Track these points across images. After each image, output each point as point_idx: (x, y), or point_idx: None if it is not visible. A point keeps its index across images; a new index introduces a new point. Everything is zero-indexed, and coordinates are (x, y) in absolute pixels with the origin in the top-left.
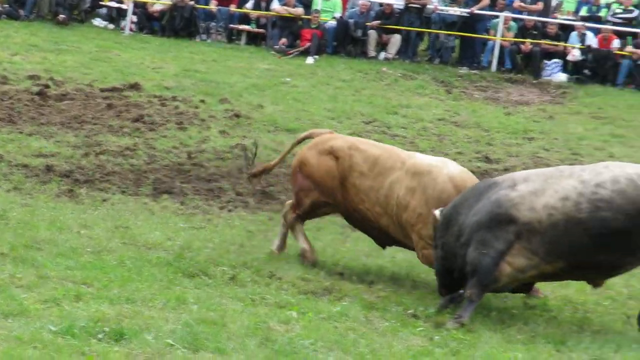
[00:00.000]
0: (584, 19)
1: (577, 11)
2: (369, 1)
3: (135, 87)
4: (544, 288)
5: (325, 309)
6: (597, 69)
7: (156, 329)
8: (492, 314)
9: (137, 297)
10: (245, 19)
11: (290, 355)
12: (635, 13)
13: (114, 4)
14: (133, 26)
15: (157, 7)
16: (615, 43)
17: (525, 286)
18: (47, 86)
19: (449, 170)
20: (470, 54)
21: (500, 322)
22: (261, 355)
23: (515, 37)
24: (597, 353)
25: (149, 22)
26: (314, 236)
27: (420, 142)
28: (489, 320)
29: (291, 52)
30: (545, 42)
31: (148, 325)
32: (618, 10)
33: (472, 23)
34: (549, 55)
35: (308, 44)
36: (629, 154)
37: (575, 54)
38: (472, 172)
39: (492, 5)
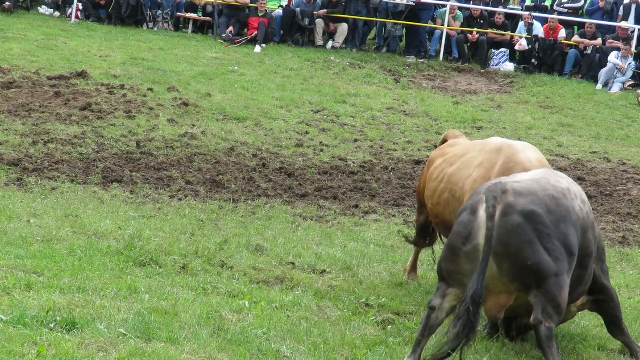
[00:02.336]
0: (529, 8)
1: (524, 1)
2: None
3: (82, 75)
4: None
5: (278, 298)
6: (545, 58)
7: (108, 318)
8: None
9: (88, 287)
10: (192, 7)
11: (243, 345)
12: (582, 3)
13: None
14: (79, 14)
15: None
16: (562, 33)
17: None
18: None
19: None
20: (418, 43)
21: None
22: (214, 344)
23: (462, 26)
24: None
25: (95, 10)
26: (264, 225)
27: (369, 131)
28: None
29: (239, 40)
30: (492, 32)
31: (100, 314)
32: (565, 0)
33: (417, 12)
34: (497, 44)
35: (255, 33)
36: (578, 144)
37: (522, 44)
38: (420, 161)
39: None
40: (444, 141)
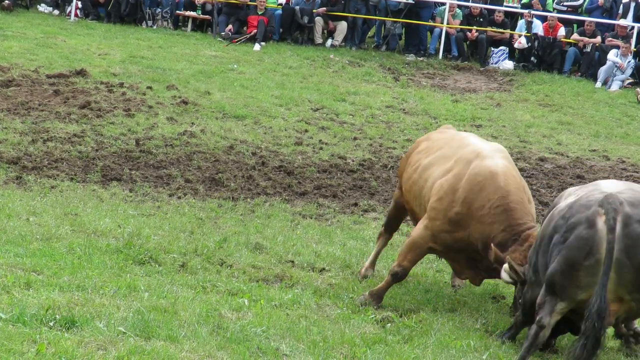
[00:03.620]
0: (525, 6)
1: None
2: None
3: (81, 73)
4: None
5: (277, 297)
6: (544, 56)
7: (107, 316)
8: (444, 301)
9: (87, 285)
10: (191, 5)
11: (242, 343)
12: (581, 1)
13: None
14: (78, 12)
15: None
16: (562, 31)
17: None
18: None
19: None
20: (417, 41)
21: (451, 310)
22: (213, 342)
23: (462, 24)
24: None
25: (94, 8)
26: (263, 224)
27: (368, 129)
28: (441, 308)
29: (238, 39)
30: (491, 30)
31: (99, 312)
32: None
33: (417, 10)
34: (496, 42)
35: (255, 31)
36: (577, 142)
37: (522, 42)
38: None
39: None
40: None
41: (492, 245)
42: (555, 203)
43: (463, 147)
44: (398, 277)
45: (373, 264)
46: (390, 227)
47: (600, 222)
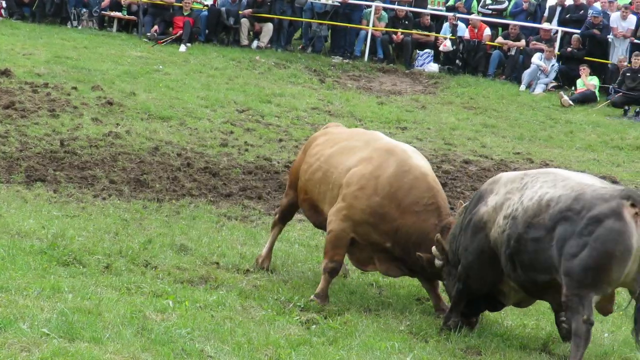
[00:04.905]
0: (450, 9)
1: (447, 2)
2: None
3: (5, 73)
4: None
5: (202, 298)
6: (469, 59)
7: (31, 317)
8: (369, 303)
9: (11, 286)
10: (116, 5)
11: (166, 345)
12: (505, 4)
13: None
14: (2, 12)
15: None
16: (487, 31)
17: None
18: None
19: None
20: (345, 43)
21: (376, 312)
22: (137, 344)
23: (387, 27)
24: (473, 342)
25: (19, 8)
26: (189, 225)
27: (294, 131)
28: (365, 309)
29: (163, 39)
30: (416, 32)
31: (22, 314)
32: (489, 2)
33: (347, 12)
34: (421, 45)
35: (180, 32)
36: (501, 144)
37: (446, 45)
38: None
39: None
40: None
41: (438, 238)
42: (487, 190)
43: (377, 140)
44: (335, 272)
45: (270, 254)
46: (285, 219)
47: (627, 214)
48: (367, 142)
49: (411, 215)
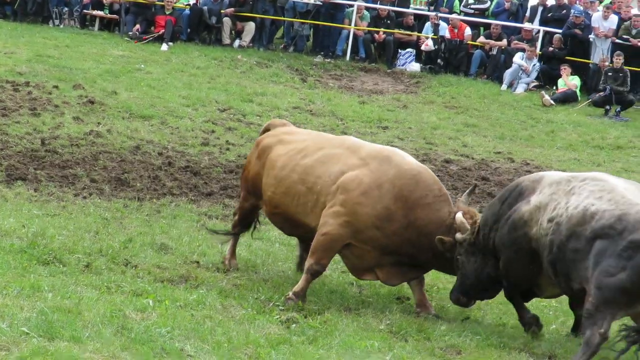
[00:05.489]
0: (432, 3)
1: (429, 2)
2: None
3: None
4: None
5: (182, 297)
6: (450, 59)
7: (10, 316)
8: (349, 302)
9: None
10: (98, 4)
11: (146, 344)
12: (488, 4)
13: None
14: None
15: None
16: (468, 31)
17: None
18: None
19: None
20: (328, 42)
21: (356, 311)
22: (117, 343)
23: (369, 26)
24: (453, 341)
25: (0, 7)
26: (169, 224)
27: None
28: (345, 308)
29: (145, 38)
30: (398, 32)
31: (2, 313)
32: (471, 1)
33: (329, 12)
34: (403, 45)
35: (162, 31)
36: (482, 144)
37: (428, 44)
38: None
39: None
40: (266, 130)
41: (458, 218)
42: (529, 188)
43: (362, 146)
44: (318, 274)
45: (234, 253)
46: (247, 225)
47: None
48: (349, 148)
49: (422, 208)
